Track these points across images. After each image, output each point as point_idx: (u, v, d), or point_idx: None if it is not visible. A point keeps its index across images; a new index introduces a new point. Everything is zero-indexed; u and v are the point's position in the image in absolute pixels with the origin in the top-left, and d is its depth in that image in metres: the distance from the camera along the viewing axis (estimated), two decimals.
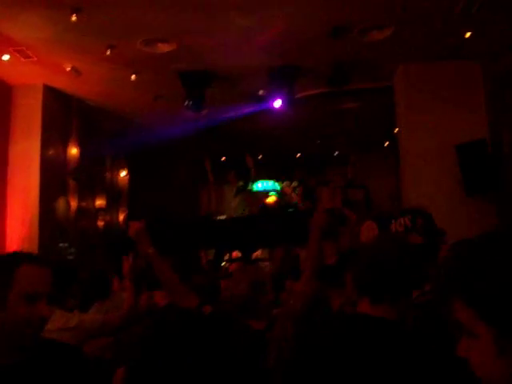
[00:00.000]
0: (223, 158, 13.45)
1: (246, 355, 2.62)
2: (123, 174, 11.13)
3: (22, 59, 7.21)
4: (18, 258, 1.83)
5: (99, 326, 3.55)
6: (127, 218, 10.77)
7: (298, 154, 13.66)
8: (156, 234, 3.08)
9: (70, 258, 8.68)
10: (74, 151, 9.00)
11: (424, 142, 7.63)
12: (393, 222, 2.90)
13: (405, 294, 1.96)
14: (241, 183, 9.60)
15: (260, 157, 13.32)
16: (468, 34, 6.74)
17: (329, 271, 3.05)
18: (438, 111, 7.61)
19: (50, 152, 8.49)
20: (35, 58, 7.23)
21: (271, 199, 11.52)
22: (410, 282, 1.96)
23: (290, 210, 9.31)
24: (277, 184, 11.18)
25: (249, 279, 2.99)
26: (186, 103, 7.94)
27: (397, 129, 8.76)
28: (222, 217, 12.22)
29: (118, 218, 10.82)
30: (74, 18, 5.94)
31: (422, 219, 3.03)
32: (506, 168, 6.99)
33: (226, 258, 7.66)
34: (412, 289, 2.01)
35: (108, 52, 6.91)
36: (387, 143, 12.40)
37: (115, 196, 10.75)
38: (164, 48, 6.97)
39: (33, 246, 7.90)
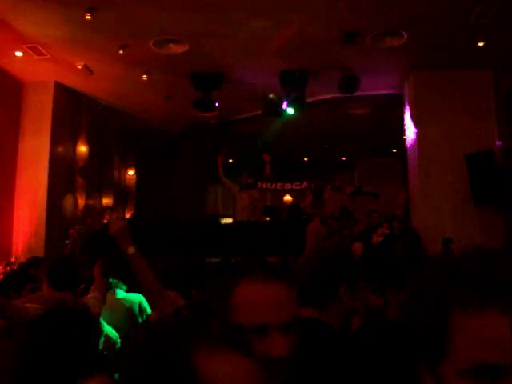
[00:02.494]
0: (231, 160, 13.45)
1: None
2: (131, 172, 11.16)
3: (35, 56, 7.25)
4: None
5: None
6: (133, 217, 10.81)
7: (306, 159, 13.66)
8: (138, 235, 3.03)
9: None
10: (82, 149, 9.03)
11: (433, 150, 7.62)
12: (373, 235, 2.98)
13: (330, 297, 1.99)
14: (250, 180, 9.58)
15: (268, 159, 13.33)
16: (481, 44, 6.73)
17: None
18: (448, 119, 7.61)
19: (59, 149, 8.51)
20: (48, 56, 7.26)
21: (288, 198, 11.56)
22: (333, 286, 1.99)
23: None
24: None
25: None
26: (197, 104, 7.95)
27: (405, 136, 8.75)
28: (228, 219, 12.24)
29: (124, 216, 10.84)
30: (88, 16, 5.97)
31: (397, 223, 3.11)
32: None
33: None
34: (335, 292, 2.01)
35: (120, 51, 6.94)
36: (395, 150, 12.40)
37: (122, 194, 10.78)
38: (176, 49, 6.99)
39: (39, 243, 7.95)
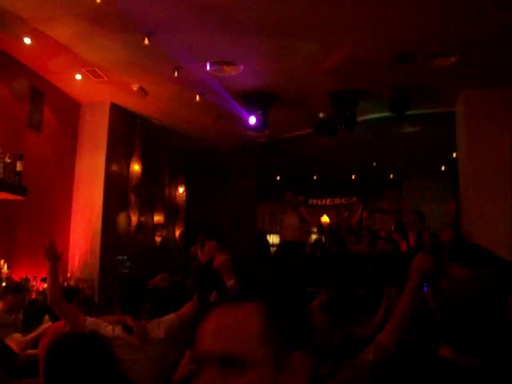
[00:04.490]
0: (278, 178, 13.56)
1: None
2: (181, 190, 11.36)
3: (93, 79, 7.52)
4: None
5: None
6: (183, 234, 10.97)
7: (353, 176, 13.65)
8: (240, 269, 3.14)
9: (125, 270, 8.89)
10: (136, 167, 9.27)
11: (485, 167, 7.55)
12: None
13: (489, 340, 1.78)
14: (300, 198, 9.63)
15: (315, 177, 13.40)
16: None
17: None
18: (499, 137, 7.53)
19: (114, 168, 8.77)
20: (105, 78, 7.52)
21: (325, 219, 11.54)
22: (495, 326, 1.79)
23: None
24: None
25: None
26: (249, 123, 8.08)
27: (455, 154, 8.71)
28: (274, 236, 12.28)
29: (174, 233, 11.04)
30: (146, 41, 6.17)
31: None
32: None
33: None
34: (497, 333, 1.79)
35: (175, 74, 7.13)
36: (443, 168, 12.30)
37: (172, 212, 10.98)
38: (230, 71, 7.13)
39: (94, 260, 8.17)
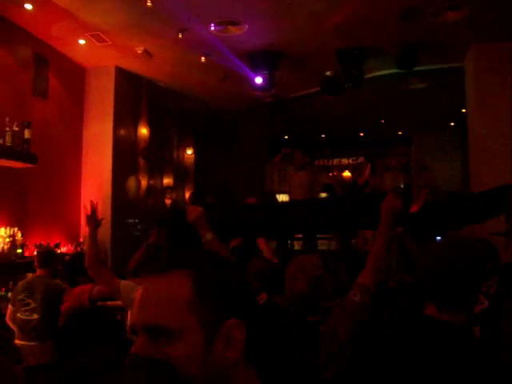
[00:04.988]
0: (286, 137, 13.51)
1: (300, 347, 2.48)
2: (189, 152, 11.36)
3: (97, 43, 7.45)
4: None
5: None
6: (193, 196, 11.01)
7: (361, 134, 13.57)
8: (215, 221, 3.07)
9: (137, 233, 8.97)
10: (144, 131, 9.26)
11: (494, 123, 7.48)
12: None
13: (472, 300, 1.88)
14: (307, 159, 9.60)
15: (323, 136, 13.35)
16: None
17: None
18: (508, 91, 7.43)
19: (122, 132, 8.77)
20: (109, 42, 7.44)
21: (346, 174, 11.52)
22: (476, 287, 1.88)
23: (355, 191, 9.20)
24: None
25: (307, 274, 2.71)
26: (256, 83, 8.02)
27: (465, 109, 8.61)
28: (283, 195, 12.31)
29: (184, 195, 11.09)
30: (149, 3, 6.09)
31: None
32: None
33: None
34: (476, 293, 1.89)
35: (180, 35, 7.05)
36: (453, 124, 12.20)
37: (182, 174, 11.01)
38: (235, 31, 7.05)
39: (106, 224, 8.22)
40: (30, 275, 5.32)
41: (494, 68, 7.56)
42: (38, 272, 4.95)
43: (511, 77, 7.43)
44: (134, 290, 3.44)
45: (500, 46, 7.47)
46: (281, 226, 3.48)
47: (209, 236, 2.94)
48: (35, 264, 5.02)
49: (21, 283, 4.93)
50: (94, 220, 3.55)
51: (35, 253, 5.70)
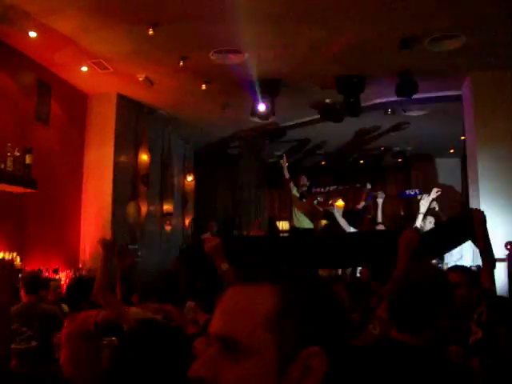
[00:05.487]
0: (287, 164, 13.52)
1: None
2: (189, 178, 11.40)
3: (99, 70, 7.54)
4: None
5: None
6: (193, 222, 11.04)
7: (361, 161, 13.62)
8: (231, 252, 3.11)
9: (137, 259, 8.95)
10: (144, 157, 9.30)
11: (493, 150, 7.52)
12: None
13: (429, 324, 1.95)
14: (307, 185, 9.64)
15: (323, 163, 13.39)
16: None
17: None
18: (507, 119, 7.50)
19: (122, 158, 8.82)
20: (111, 70, 7.54)
21: (340, 203, 11.48)
22: (434, 312, 1.96)
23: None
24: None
25: None
26: (257, 110, 8.10)
27: (463, 137, 8.68)
28: (285, 223, 12.32)
29: (183, 222, 11.10)
30: (150, 32, 6.18)
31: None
32: None
33: None
34: (435, 318, 1.96)
35: (181, 63, 7.14)
36: (452, 151, 12.27)
37: (182, 201, 11.03)
38: (235, 59, 7.14)
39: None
40: (18, 303, 5.17)
41: (491, 95, 7.64)
42: (27, 299, 4.79)
43: (509, 104, 7.50)
44: (143, 317, 3.46)
45: (497, 73, 7.57)
46: (301, 262, 3.47)
47: (224, 266, 2.97)
48: (22, 292, 4.83)
49: (12, 311, 4.80)
50: (112, 248, 3.61)
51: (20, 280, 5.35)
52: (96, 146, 8.59)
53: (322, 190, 11.79)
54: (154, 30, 6.17)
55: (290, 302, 0.96)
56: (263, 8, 5.83)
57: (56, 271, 7.17)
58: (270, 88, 8.03)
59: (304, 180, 9.60)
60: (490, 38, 6.56)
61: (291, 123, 10.26)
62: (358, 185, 11.17)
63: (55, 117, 7.79)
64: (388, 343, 2.04)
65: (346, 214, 9.47)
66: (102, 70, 7.56)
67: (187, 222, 11.14)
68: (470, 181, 8.27)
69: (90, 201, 8.46)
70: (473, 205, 7.92)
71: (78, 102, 8.48)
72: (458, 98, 8.40)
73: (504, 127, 7.48)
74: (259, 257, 3.47)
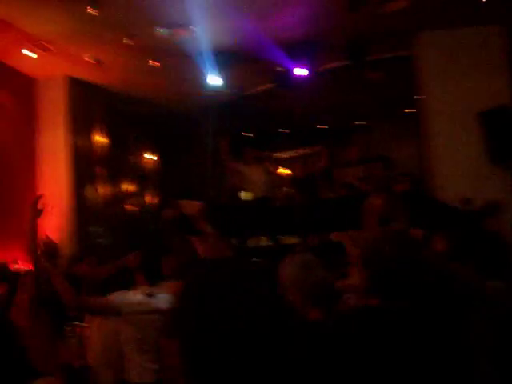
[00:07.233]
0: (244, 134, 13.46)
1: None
2: (149, 156, 11.27)
3: (42, 52, 7.30)
4: None
5: None
6: (162, 200, 10.91)
7: (318, 125, 13.58)
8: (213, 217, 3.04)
9: (101, 241, 8.84)
10: (100, 139, 9.13)
11: (447, 109, 7.57)
12: None
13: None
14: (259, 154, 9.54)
15: (281, 129, 13.35)
16: None
17: None
18: (458, 78, 7.54)
19: (77, 141, 8.64)
20: (54, 50, 7.30)
21: (283, 171, 11.45)
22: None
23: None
24: None
25: None
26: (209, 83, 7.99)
27: (418, 96, 8.69)
28: (246, 193, 12.28)
29: (144, 200, 10.97)
30: (90, 10, 6.02)
31: None
32: None
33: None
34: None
35: (127, 41, 6.97)
36: (408, 110, 12.31)
37: (141, 179, 10.90)
38: (182, 34, 6.98)
39: (66, 234, 8.12)
40: None
41: (441, 54, 7.65)
42: None
43: (458, 61, 7.53)
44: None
45: (446, 31, 7.57)
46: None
47: (209, 229, 2.90)
48: None
49: None
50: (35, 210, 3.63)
51: None
52: (49, 131, 8.41)
53: (283, 155, 11.81)
54: (94, 9, 6.00)
55: None
56: None
57: (15, 262, 7.04)
58: (222, 60, 7.91)
59: (248, 151, 9.42)
60: None
61: (248, 94, 10.16)
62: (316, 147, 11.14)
63: (2, 104, 7.56)
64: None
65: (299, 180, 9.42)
66: (44, 52, 7.31)
67: (148, 200, 11.02)
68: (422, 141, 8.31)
69: (45, 187, 8.26)
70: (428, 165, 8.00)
71: (25, 87, 8.24)
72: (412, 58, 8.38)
73: (452, 86, 7.50)
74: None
